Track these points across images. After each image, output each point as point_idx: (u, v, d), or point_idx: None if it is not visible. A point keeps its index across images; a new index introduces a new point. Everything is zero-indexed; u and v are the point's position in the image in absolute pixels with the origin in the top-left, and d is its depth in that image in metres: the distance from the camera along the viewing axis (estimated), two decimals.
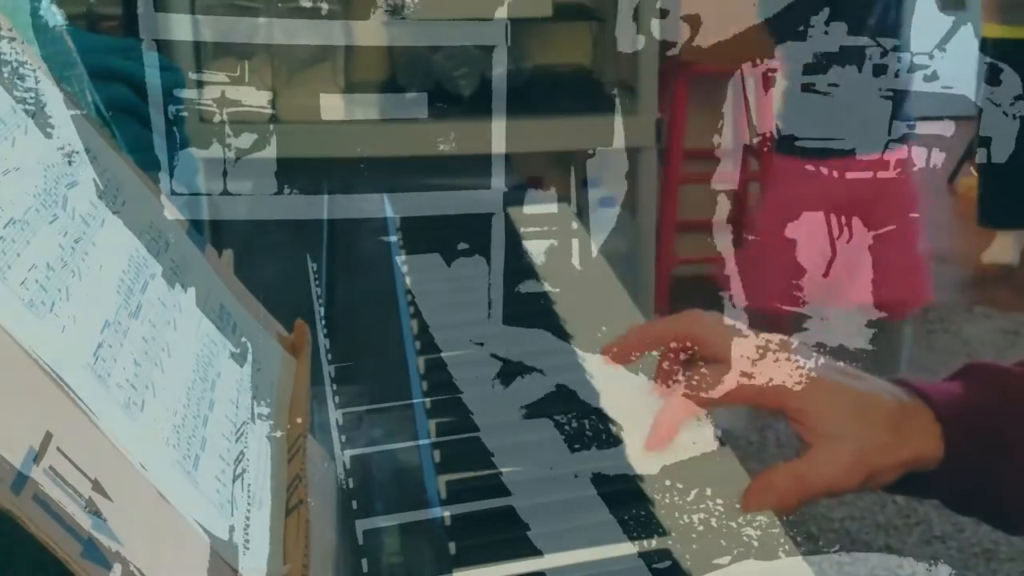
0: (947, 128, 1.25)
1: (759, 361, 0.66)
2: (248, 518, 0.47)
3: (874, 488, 0.66)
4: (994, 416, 0.67)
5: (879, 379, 0.68)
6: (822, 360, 0.68)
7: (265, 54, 1.88)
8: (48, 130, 0.48)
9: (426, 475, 0.64)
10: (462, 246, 0.93)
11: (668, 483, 0.63)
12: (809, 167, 1.87)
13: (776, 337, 0.68)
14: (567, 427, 0.68)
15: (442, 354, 0.78)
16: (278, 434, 0.55)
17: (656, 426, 0.68)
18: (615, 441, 0.67)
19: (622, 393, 0.72)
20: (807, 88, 1.64)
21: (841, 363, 0.69)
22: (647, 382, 0.73)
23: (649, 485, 0.63)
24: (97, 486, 0.37)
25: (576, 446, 0.67)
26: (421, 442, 0.67)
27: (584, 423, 0.69)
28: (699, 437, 0.68)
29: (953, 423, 0.66)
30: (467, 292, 0.87)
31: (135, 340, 0.46)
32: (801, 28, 1.51)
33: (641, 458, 0.66)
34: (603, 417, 0.70)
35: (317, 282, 0.80)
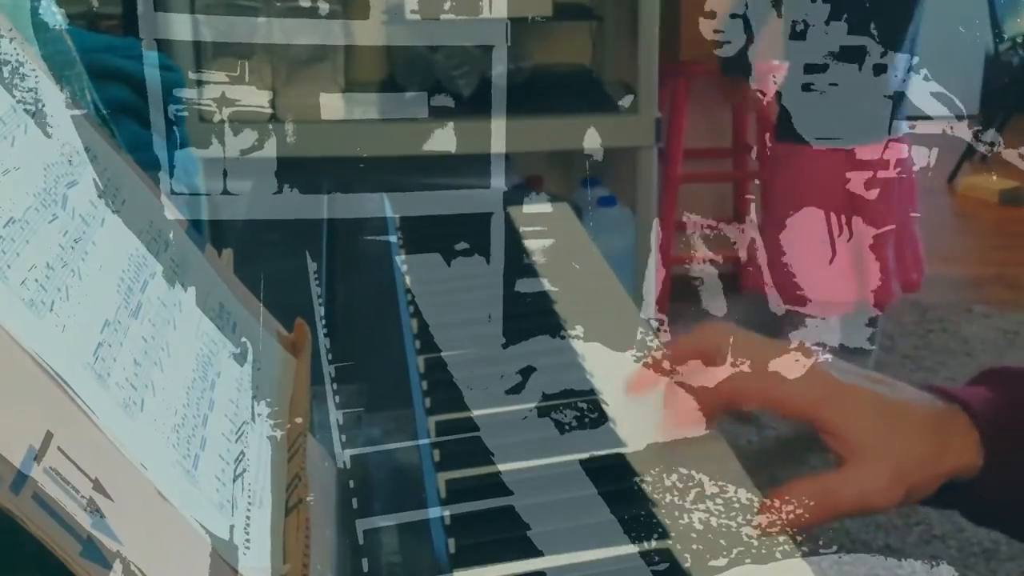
0: (947, 128, 1.25)
1: (785, 369, 0.63)
2: (248, 518, 0.47)
3: (912, 503, 0.63)
4: None
5: (909, 386, 0.65)
6: (849, 366, 0.64)
7: (265, 54, 1.88)
8: (48, 130, 0.48)
9: (426, 474, 0.64)
10: (462, 246, 0.93)
11: (668, 483, 0.63)
12: (810, 150, 1.86)
13: (799, 343, 0.65)
14: (567, 427, 0.68)
15: (442, 354, 0.78)
16: (278, 434, 0.55)
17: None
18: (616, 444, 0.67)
19: (623, 391, 0.72)
20: (807, 88, 1.64)
21: (869, 370, 0.65)
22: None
23: (649, 485, 0.63)
24: (97, 485, 0.37)
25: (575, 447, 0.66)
26: (421, 441, 0.67)
27: (584, 424, 0.69)
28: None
29: (992, 427, 0.62)
30: (467, 292, 0.87)
31: (135, 340, 0.46)
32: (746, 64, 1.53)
33: (642, 459, 0.66)
34: (603, 415, 0.70)
35: (317, 282, 0.80)
